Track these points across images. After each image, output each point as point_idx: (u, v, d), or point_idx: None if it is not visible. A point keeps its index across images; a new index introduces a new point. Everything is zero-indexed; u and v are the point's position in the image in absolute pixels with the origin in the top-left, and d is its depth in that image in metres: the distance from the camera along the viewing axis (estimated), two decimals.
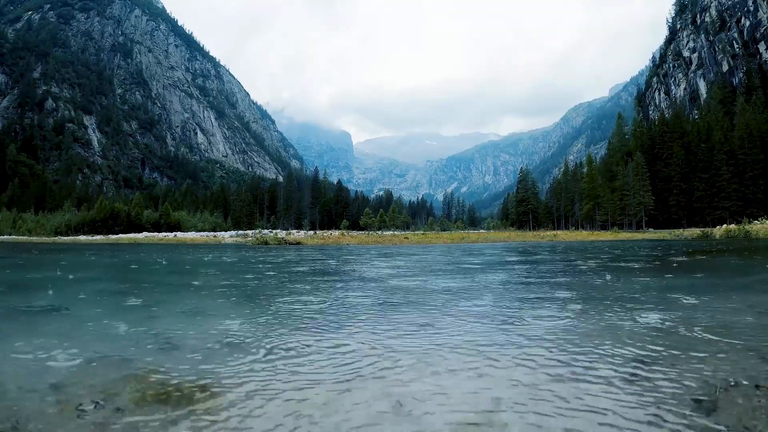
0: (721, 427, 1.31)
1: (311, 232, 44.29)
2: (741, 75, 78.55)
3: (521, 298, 4.14)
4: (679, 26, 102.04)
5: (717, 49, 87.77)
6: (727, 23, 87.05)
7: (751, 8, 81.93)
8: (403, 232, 50.25)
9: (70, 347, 2.35)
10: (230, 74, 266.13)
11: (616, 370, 1.86)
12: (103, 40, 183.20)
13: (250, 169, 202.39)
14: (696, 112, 77.78)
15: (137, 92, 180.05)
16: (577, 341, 2.38)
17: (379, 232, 45.91)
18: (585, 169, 67.37)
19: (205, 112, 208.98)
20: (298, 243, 23.20)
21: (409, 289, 4.78)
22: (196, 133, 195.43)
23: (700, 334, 2.51)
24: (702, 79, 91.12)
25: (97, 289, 5.35)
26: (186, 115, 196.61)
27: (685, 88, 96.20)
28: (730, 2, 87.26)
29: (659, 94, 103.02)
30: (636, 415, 1.40)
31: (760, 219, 29.23)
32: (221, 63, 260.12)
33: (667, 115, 68.37)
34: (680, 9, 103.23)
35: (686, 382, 1.69)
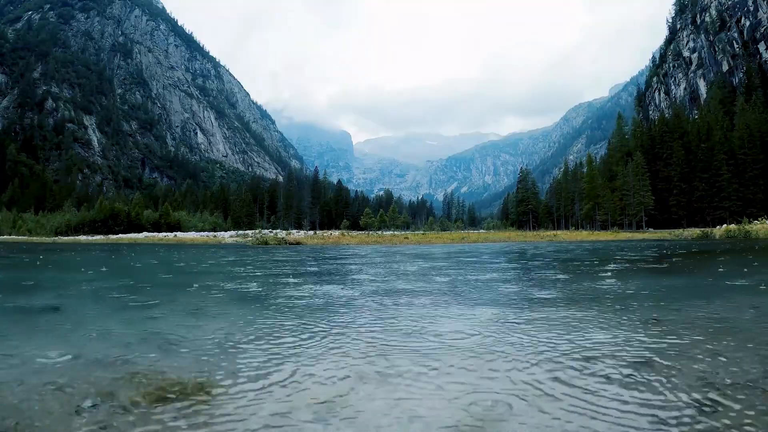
0: (722, 428, 1.31)
1: (311, 232, 44.29)
2: (741, 75, 78.49)
3: (521, 298, 4.14)
4: (679, 26, 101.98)
5: (717, 49, 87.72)
6: (727, 23, 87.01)
7: (751, 8, 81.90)
8: (403, 232, 50.24)
9: (69, 347, 2.35)
10: (230, 74, 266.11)
11: (615, 371, 1.86)
12: (103, 40, 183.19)
13: (250, 169, 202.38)
14: (696, 112, 77.72)
15: (137, 92, 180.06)
16: (576, 341, 2.38)
17: (380, 232, 45.91)
18: (585, 169, 67.34)
19: (205, 112, 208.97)
20: (298, 243, 23.22)
21: (409, 289, 4.78)
22: (196, 133, 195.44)
23: (700, 334, 2.51)
24: (702, 79, 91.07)
25: (96, 289, 5.35)
26: (186, 115, 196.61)
27: (685, 88, 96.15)
28: (730, 2, 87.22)
29: (659, 94, 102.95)
30: (636, 416, 1.40)
31: (760, 219, 29.21)
32: (221, 63, 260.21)
33: (667, 115, 68.34)
34: (680, 9, 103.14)
35: (686, 383, 1.69)
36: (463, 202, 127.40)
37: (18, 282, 6.53)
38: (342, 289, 4.98)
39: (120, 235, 44.88)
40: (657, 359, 2.02)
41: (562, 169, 78.83)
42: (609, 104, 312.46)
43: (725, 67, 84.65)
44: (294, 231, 48.07)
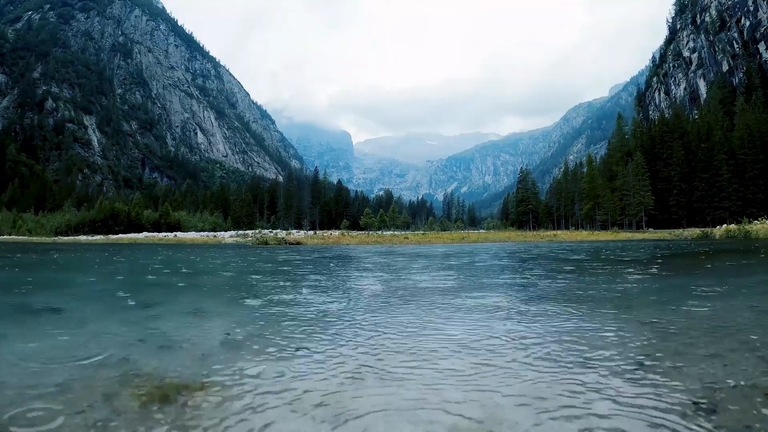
0: (722, 429, 1.30)
1: (311, 232, 44.29)
2: (741, 75, 78.51)
3: (520, 298, 4.14)
4: (679, 26, 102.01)
5: (717, 49, 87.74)
6: (727, 23, 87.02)
7: (751, 8, 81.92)
8: (403, 232, 50.24)
9: (69, 347, 2.35)
10: (230, 74, 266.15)
11: (615, 372, 1.86)
12: (103, 40, 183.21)
13: (250, 169, 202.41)
14: (696, 112, 77.72)
15: (137, 92, 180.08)
16: (576, 342, 2.37)
17: (380, 232, 45.91)
18: (585, 169, 67.37)
19: (205, 112, 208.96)
20: (298, 243, 23.22)
21: (409, 289, 4.78)
22: (196, 133, 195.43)
23: (699, 335, 2.51)
24: (702, 79, 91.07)
25: (96, 289, 5.35)
26: (186, 115, 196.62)
27: (685, 88, 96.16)
28: (730, 2, 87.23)
29: (659, 94, 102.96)
30: (635, 417, 1.40)
31: (760, 219, 29.21)
32: (221, 63, 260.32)
33: (667, 115, 68.36)
34: (680, 9, 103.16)
35: (686, 384, 1.69)
36: (463, 202, 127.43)
37: (18, 282, 6.53)
38: (342, 289, 4.98)
39: (120, 235, 44.87)
40: (656, 359, 2.02)
41: (562, 169, 78.87)
42: (609, 104, 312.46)
43: (725, 67, 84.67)
44: (294, 231, 48.07)
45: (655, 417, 1.41)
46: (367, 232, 45.79)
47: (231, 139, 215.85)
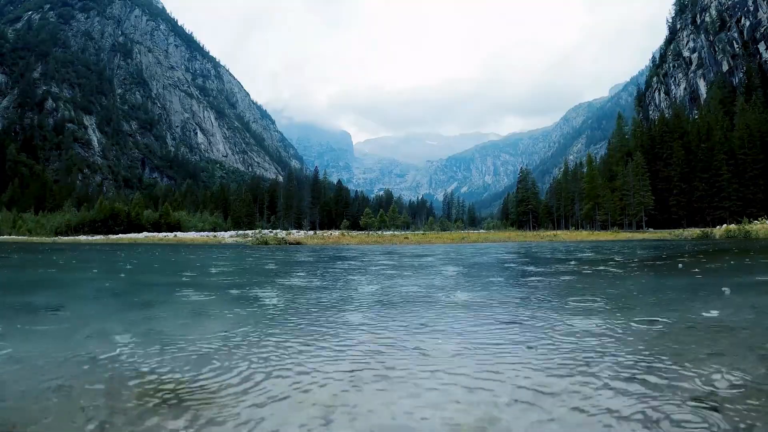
0: (722, 429, 1.31)
1: (311, 232, 44.29)
2: (741, 75, 78.51)
3: (520, 298, 4.14)
4: (679, 26, 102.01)
5: (717, 49, 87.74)
6: (727, 23, 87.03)
7: (751, 8, 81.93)
8: (403, 232, 50.25)
9: (69, 347, 2.35)
10: (230, 74, 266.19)
11: (615, 371, 1.86)
12: (103, 40, 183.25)
13: (250, 169, 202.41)
14: (696, 112, 77.71)
15: (137, 92, 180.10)
16: (576, 341, 2.37)
17: (380, 232, 45.92)
18: (585, 169, 67.36)
19: (205, 112, 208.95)
20: (298, 243, 23.23)
21: (409, 289, 4.78)
22: (196, 133, 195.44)
23: (700, 334, 2.51)
24: (702, 79, 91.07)
25: (96, 289, 5.35)
26: (186, 115, 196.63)
27: (685, 88, 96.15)
28: (730, 2, 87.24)
29: (659, 94, 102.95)
30: (635, 416, 1.40)
31: (760, 219, 29.21)
32: (221, 63, 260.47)
33: (667, 115, 68.35)
34: (680, 9, 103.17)
35: (686, 383, 1.69)
36: (463, 202, 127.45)
37: (18, 282, 6.53)
38: (341, 289, 4.98)
39: (120, 235, 44.88)
40: (656, 359, 2.02)
41: (562, 169, 78.88)
42: (609, 104, 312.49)
43: (725, 67, 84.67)
44: (294, 231, 48.07)
45: (656, 417, 1.39)
46: (367, 232, 45.79)
47: (231, 139, 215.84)
